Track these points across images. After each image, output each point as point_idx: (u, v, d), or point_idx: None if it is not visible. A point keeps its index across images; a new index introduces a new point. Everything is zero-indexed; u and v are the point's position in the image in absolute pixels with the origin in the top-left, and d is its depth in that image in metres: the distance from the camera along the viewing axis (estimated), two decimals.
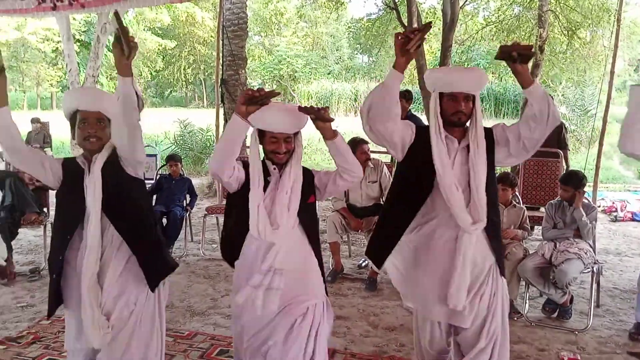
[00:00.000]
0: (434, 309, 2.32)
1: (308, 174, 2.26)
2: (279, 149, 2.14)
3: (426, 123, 5.73)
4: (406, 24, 7.63)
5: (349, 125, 12.24)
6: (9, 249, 4.59)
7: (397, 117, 2.21)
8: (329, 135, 2.09)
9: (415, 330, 2.53)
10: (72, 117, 2.20)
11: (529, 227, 4.07)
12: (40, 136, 9.81)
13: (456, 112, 2.20)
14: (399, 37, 2.08)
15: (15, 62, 26.84)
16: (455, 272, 2.20)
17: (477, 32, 11.17)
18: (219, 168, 2.11)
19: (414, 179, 2.32)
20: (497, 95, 22.39)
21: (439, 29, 8.68)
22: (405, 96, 5.74)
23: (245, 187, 2.16)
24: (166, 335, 3.39)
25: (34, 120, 9.96)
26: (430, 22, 2.23)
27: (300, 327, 2.16)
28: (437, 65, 7.71)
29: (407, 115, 5.78)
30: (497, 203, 2.39)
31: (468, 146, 2.25)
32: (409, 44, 2.05)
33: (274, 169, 2.21)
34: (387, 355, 3.20)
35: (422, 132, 2.29)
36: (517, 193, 4.45)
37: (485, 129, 2.29)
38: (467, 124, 2.27)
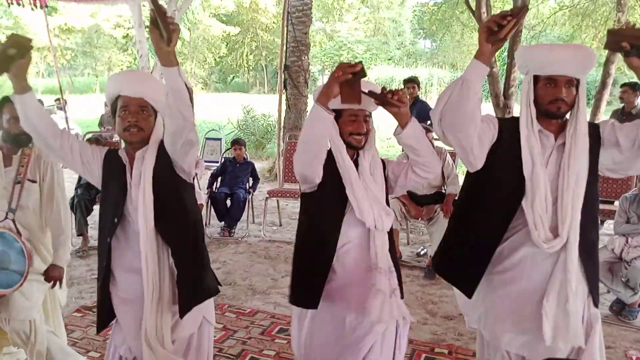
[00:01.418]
0: (508, 338, 1.88)
1: (380, 163, 2.00)
2: (359, 129, 1.90)
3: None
4: (474, 8, 7.39)
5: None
6: (85, 224, 4.91)
7: (479, 120, 1.76)
8: (402, 122, 1.82)
9: (480, 353, 2.10)
10: (114, 104, 1.89)
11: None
12: (112, 119, 10.31)
13: (555, 100, 1.76)
14: (489, 23, 1.64)
15: (88, 47, 28.17)
16: (551, 298, 1.78)
17: (549, 17, 10.61)
18: (311, 170, 1.83)
19: (498, 185, 1.87)
20: None
21: None
22: (416, 81, 5.90)
23: (327, 183, 1.90)
24: (229, 312, 3.57)
25: (108, 104, 10.48)
26: (527, 6, 1.87)
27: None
28: (505, 52, 7.44)
29: (415, 101, 5.76)
30: (597, 218, 1.95)
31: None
32: (500, 31, 1.62)
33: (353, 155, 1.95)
34: (446, 344, 3.19)
35: (507, 126, 1.86)
36: None
37: (591, 124, 1.84)
38: (567, 115, 1.84)
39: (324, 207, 1.95)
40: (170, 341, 1.86)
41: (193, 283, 1.92)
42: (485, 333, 1.97)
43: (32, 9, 5.56)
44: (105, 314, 1.93)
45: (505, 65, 7.35)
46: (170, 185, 1.88)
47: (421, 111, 5.71)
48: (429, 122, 5.70)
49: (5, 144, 2.46)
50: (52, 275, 2.46)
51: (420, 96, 6.06)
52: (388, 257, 1.95)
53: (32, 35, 21.04)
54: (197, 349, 1.98)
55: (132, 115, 1.83)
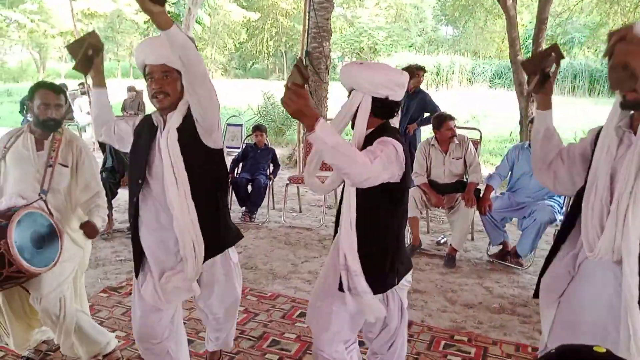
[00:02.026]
0: None
1: None
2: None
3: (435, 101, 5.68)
4: None
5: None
6: (110, 207, 5.01)
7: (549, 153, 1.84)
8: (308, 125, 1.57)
9: None
10: (144, 73, 2.02)
11: None
12: (135, 104, 10.42)
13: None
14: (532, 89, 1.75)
15: (111, 32, 28.44)
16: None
17: (577, 4, 10.37)
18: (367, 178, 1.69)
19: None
20: (592, 72, 20.90)
21: (531, 0, 8.21)
22: (424, 69, 5.90)
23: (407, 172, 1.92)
24: (250, 295, 3.62)
25: (130, 89, 10.58)
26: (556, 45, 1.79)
27: None
28: (531, 39, 7.32)
29: (416, 91, 5.67)
30: None
31: None
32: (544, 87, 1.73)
33: None
34: (465, 331, 3.20)
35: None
36: None
37: None
38: None
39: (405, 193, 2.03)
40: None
41: (214, 234, 2.13)
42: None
43: None
44: (139, 261, 2.20)
45: (530, 53, 7.23)
46: (194, 145, 2.02)
47: (422, 102, 5.67)
48: (426, 115, 5.68)
49: (37, 128, 2.53)
50: (87, 230, 2.55)
51: (422, 86, 5.98)
52: None
53: (55, 20, 21.24)
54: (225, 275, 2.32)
55: (156, 82, 1.94)
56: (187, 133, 2.00)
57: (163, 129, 2.02)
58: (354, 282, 1.91)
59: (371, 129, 1.92)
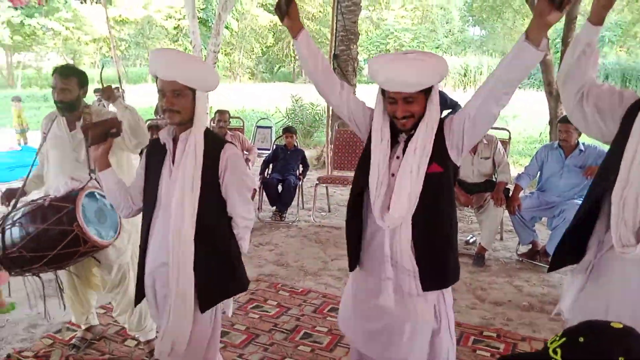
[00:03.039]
0: None
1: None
2: (396, 112, 1.84)
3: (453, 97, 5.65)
4: None
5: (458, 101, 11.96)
6: None
7: (586, 73, 1.76)
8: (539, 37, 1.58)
9: None
10: (156, 80, 1.90)
11: None
12: None
13: None
14: None
15: (141, 38, 29.07)
16: None
17: None
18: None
19: (604, 167, 1.81)
20: (625, 71, 20.45)
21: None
22: None
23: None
24: (282, 290, 3.74)
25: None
26: None
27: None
28: (560, 39, 7.26)
29: None
30: None
31: None
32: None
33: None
34: (494, 328, 3.25)
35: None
36: None
37: None
38: None
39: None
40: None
41: (214, 283, 1.96)
42: None
43: (95, 1, 5.84)
44: (141, 290, 2.08)
45: (559, 53, 7.18)
46: (212, 182, 1.91)
47: (442, 99, 5.69)
48: (448, 111, 5.70)
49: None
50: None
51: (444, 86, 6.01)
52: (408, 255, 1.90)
53: (88, 27, 21.78)
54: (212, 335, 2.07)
55: (167, 100, 1.84)
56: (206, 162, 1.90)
57: (172, 148, 1.93)
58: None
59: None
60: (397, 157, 1.90)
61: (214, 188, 1.92)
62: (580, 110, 1.80)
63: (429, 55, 1.81)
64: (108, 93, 2.73)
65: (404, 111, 1.82)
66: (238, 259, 2.06)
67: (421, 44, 30.04)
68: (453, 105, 5.59)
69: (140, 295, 2.08)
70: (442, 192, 1.89)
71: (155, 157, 1.98)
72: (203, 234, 1.90)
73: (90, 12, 23.17)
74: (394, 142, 1.92)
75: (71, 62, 29.66)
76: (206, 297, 1.96)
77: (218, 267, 1.97)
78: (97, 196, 2.54)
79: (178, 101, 1.84)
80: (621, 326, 0.90)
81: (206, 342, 2.03)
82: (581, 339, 0.90)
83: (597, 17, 1.72)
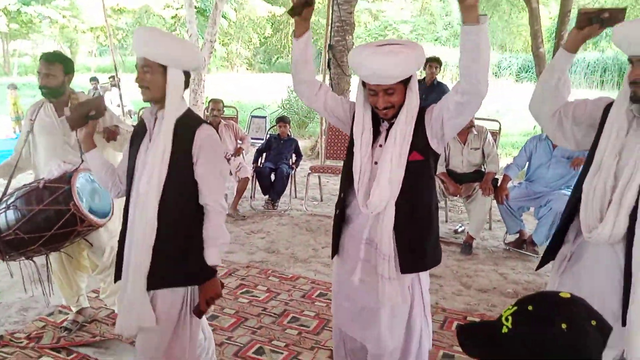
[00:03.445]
0: None
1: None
2: (377, 104, 1.88)
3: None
4: None
5: None
6: None
7: (561, 98, 1.90)
8: (472, 17, 1.60)
9: None
10: None
11: None
12: None
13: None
14: (590, 14, 1.75)
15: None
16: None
17: None
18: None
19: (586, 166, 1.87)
20: (622, 65, 20.42)
21: None
22: (438, 61, 5.98)
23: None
24: (272, 276, 3.80)
25: None
26: (625, 9, 1.76)
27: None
28: (554, 33, 7.30)
29: (434, 83, 5.78)
30: None
31: None
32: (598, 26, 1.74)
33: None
34: (478, 313, 3.32)
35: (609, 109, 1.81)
36: None
37: None
38: None
39: None
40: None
41: (168, 264, 1.90)
42: None
43: None
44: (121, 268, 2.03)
45: (553, 47, 7.22)
46: (184, 162, 1.88)
47: (441, 94, 5.75)
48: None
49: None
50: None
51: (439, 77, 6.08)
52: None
53: (86, 16, 21.72)
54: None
55: (137, 75, 1.85)
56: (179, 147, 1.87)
57: (153, 127, 1.93)
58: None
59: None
60: (380, 146, 1.95)
61: (185, 168, 1.88)
62: (560, 128, 1.91)
63: (406, 46, 1.83)
64: (109, 134, 2.75)
65: (385, 102, 1.86)
66: (199, 250, 1.92)
67: (420, 35, 29.97)
68: None
69: (119, 273, 2.03)
70: (423, 180, 1.94)
71: (138, 136, 1.99)
72: (166, 214, 1.86)
73: (88, 0, 23.05)
74: (376, 131, 1.97)
75: (67, 50, 29.57)
76: (155, 278, 1.89)
77: (174, 252, 1.90)
78: (91, 177, 2.61)
79: (146, 77, 1.84)
80: (568, 296, 0.96)
81: (171, 328, 1.97)
82: (530, 307, 0.96)
83: (574, 47, 1.82)
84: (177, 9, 25.49)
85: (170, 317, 1.95)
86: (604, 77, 20.64)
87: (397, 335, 2.03)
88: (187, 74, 1.92)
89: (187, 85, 1.94)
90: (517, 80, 23.20)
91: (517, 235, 4.54)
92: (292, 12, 1.93)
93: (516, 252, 4.43)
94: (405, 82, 1.87)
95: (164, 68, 1.84)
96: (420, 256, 1.99)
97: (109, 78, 11.61)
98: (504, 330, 0.96)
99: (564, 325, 0.90)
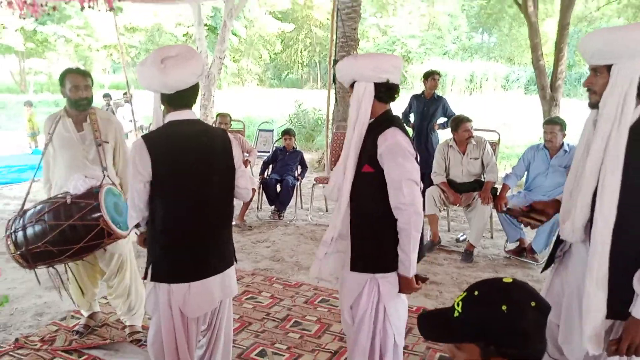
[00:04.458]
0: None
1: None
2: None
3: (454, 107, 5.85)
4: (520, 3, 7.41)
5: (463, 106, 12.14)
6: None
7: None
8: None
9: None
10: None
11: None
12: None
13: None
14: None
15: (151, 45, 29.49)
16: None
17: (598, 9, 10.32)
18: None
19: None
20: None
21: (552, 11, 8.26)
22: (438, 73, 6.03)
23: None
24: (276, 283, 3.92)
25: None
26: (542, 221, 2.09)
27: None
28: (554, 46, 7.42)
29: (434, 97, 5.88)
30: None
31: None
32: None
33: None
34: None
35: None
36: None
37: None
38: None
39: None
40: None
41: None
42: None
43: (106, 10, 6.08)
44: None
45: (553, 59, 7.34)
46: None
47: (443, 108, 5.94)
48: (444, 120, 5.88)
49: (72, 110, 2.89)
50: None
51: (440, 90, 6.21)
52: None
53: (99, 34, 22.16)
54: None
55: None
56: None
57: None
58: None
59: (377, 116, 2.08)
60: None
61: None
62: None
63: (363, 56, 2.07)
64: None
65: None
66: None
67: (428, 50, 30.21)
68: (450, 116, 5.75)
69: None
70: (373, 189, 2.06)
71: None
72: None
73: (101, 19, 23.57)
74: None
75: (82, 68, 30.17)
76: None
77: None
78: (114, 192, 2.75)
79: None
80: (510, 280, 1.08)
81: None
82: (476, 293, 1.08)
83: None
84: (188, 26, 25.99)
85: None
86: None
87: (343, 315, 2.24)
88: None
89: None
90: (526, 93, 23.28)
91: (517, 244, 4.63)
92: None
93: (516, 259, 4.51)
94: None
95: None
96: (369, 259, 2.11)
97: (123, 95, 11.90)
98: (456, 314, 1.08)
99: (504, 307, 1.01)
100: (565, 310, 1.88)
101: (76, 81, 2.83)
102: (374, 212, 2.07)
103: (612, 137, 1.64)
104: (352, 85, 2.09)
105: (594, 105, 1.75)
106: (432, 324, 1.16)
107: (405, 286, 2.06)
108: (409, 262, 2.00)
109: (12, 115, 19.32)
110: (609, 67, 1.66)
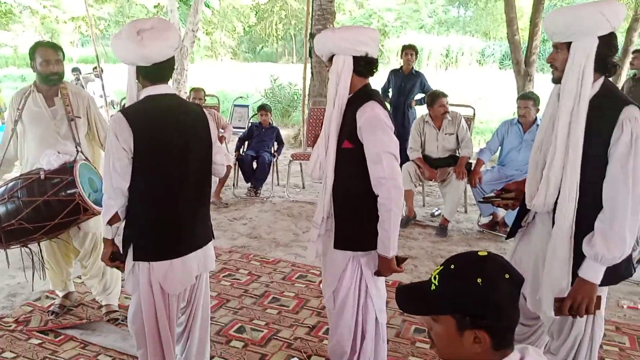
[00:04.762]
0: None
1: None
2: None
3: (430, 82, 5.91)
4: None
5: (439, 81, 12.17)
6: None
7: None
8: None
9: None
10: None
11: None
12: None
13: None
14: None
15: (121, 17, 28.66)
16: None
17: None
18: None
19: None
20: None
21: None
22: (414, 48, 6.03)
23: None
24: (254, 260, 3.93)
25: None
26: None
27: None
28: (529, 21, 7.45)
29: (412, 72, 5.91)
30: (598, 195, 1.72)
31: None
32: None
33: None
34: None
35: None
36: None
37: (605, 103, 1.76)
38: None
39: None
40: None
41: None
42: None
43: None
44: None
45: (528, 34, 7.37)
46: None
47: (421, 84, 5.94)
48: (422, 95, 5.90)
49: (42, 85, 2.81)
50: None
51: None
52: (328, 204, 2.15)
53: (67, 6, 21.40)
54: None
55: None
56: None
57: None
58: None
59: (355, 91, 2.06)
60: None
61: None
62: None
63: (341, 29, 2.10)
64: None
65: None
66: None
67: (404, 23, 30.05)
68: (426, 91, 5.76)
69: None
70: (353, 166, 2.06)
71: None
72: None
73: None
74: None
75: (51, 41, 29.25)
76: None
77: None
78: (89, 167, 2.70)
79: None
80: (485, 254, 1.10)
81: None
82: (452, 266, 1.10)
83: None
84: None
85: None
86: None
87: (329, 298, 2.23)
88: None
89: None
90: (500, 68, 23.44)
91: (490, 218, 4.72)
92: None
93: (489, 233, 4.61)
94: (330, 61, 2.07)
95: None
96: (351, 237, 2.13)
97: (93, 69, 11.56)
98: (432, 287, 1.10)
99: (479, 280, 1.04)
100: (532, 278, 1.94)
101: (47, 55, 2.74)
102: (355, 190, 2.07)
103: (573, 112, 1.72)
104: (330, 59, 2.06)
105: (556, 80, 1.83)
106: (409, 297, 1.18)
107: (384, 267, 2.07)
108: (389, 240, 2.00)
109: None
110: (568, 45, 1.73)
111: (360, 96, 2.05)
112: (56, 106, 2.81)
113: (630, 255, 1.78)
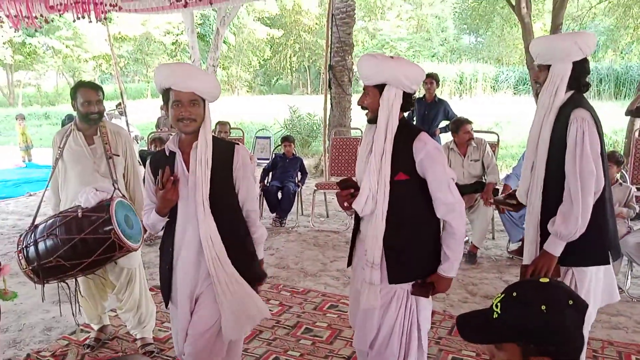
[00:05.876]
0: None
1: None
2: (359, 102, 2.12)
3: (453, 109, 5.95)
4: (514, 4, 7.50)
5: (455, 109, 12.22)
6: None
7: None
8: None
9: None
10: (165, 94, 2.04)
11: (635, 207, 4.04)
12: (169, 121, 10.94)
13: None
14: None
15: (140, 54, 29.44)
16: None
17: (590, 9, 10.50)
18: None
19: None
20: (618, 75, 20.67)
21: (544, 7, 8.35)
22: (435, 77, 6.10)
23: None
24: (284, 291, 3.92)
25: (163, 107, 11.12)
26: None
27: None
28: None
29: (435, 100, 5.95)
30: (557, 190, 2.15)
31: None
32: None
33: None
34: None
35: None
36: (624, 172, 4.41)
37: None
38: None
39: None
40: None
41: (245, 269, 2.13)
42: None
43: (96, 21, 6.02)
44: (167, 296, 2.21)
45: None
46: (225, 180, 2.09)
47: (445, 111, 6.00)
48: (446, 122, 5.93)
49: (82, 124, 2.89)
50: None
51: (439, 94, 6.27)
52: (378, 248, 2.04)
53: (88, 45, 22.00)
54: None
55: (185, 109, 1.98)
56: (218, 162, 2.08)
57: (185, 156, 2.08)
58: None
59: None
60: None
61: (230, 187, 2.11)
62: None
63: (400, 60, 2.04)
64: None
65: (362, 100, 2.09)
66: (253, 255, 2.22)
67: (417, 52, 30.40)
68: (451, 118, 5.80)
69: (166, 299, 2.21)
70: (409, 197, 2.03)
71: (163, 168, 2.05)
72: (225, 230, 2.07)
73: (90, 29, 23.52)
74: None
75: (71, 79, 30.08)
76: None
77: (241, 259, 2.13)
78: (125, 204, 2.74)
79: (194, 110, 2.00)
80: (547, 280, 1.10)
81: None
82: (514, 294, 1.10)
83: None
84: (177, 34, 25.97)
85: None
86: (600, 87, 20.82)
87: (367, 338, 2.14)
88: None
89: None
90: (515, 93, 23.44)
91: (520, 244, 4.66)
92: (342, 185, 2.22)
93: (519, 259, 4.54)
94: (380, 89, 2.00)
95: (204, 101, 2.06)
96: (406, 268, 2.07)
97: (116, 106, 11.84)
98: (495, 315, 1.10)
99: (543, 307, 1.04)
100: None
101: (88, 96, 2.82)
102: (410, 220, 2.05)
103: (544, 120, 2.13)
104: (374, 86, 2.01)
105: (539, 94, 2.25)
106: (472, 326, 1.18)
107: (445, 286, 2.07)
108: (458, 261, 2.05)
109: (2, 129, 19.21)
110: (548, 67, 2.14)
111: (401, 129, 2.04)
112: (95, 145, 2.89)
113: (607, 240, 2.13)
